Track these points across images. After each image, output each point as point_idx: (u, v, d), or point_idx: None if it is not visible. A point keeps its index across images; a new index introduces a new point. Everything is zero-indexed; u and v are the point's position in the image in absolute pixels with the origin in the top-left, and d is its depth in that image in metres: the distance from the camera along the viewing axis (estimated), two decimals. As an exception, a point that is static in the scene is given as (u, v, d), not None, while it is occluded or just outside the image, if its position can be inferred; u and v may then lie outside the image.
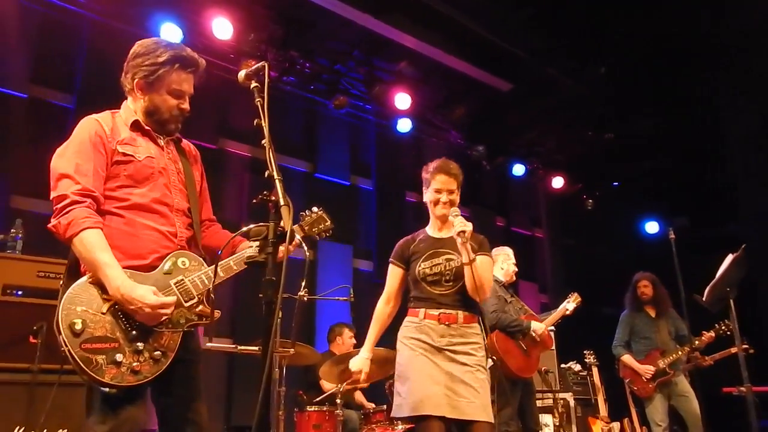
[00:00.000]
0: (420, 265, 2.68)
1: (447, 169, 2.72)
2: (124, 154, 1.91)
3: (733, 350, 4.89)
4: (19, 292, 2.93)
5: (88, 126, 1.92)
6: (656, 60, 6.76)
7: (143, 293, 1.75)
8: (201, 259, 1.98)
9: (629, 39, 6.47)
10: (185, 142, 2.16)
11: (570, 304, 4.39)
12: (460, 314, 2.60)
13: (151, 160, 1.96)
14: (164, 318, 1.80)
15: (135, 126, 1.98)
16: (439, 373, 2.50)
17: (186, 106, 2.05)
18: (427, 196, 2.79)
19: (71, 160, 1.83)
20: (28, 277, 2.96)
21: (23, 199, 4.47)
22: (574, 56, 6.81)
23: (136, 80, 1.97)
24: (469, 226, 2.51)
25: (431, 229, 2.83)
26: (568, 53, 6.75)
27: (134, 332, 1.76)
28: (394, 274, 2.84)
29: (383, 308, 2.89)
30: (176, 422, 1.92)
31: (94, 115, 1.96)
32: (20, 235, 3.21)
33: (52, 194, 1.82)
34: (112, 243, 1.80)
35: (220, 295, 2.30)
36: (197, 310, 1.89)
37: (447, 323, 2.58)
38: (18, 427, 2.52)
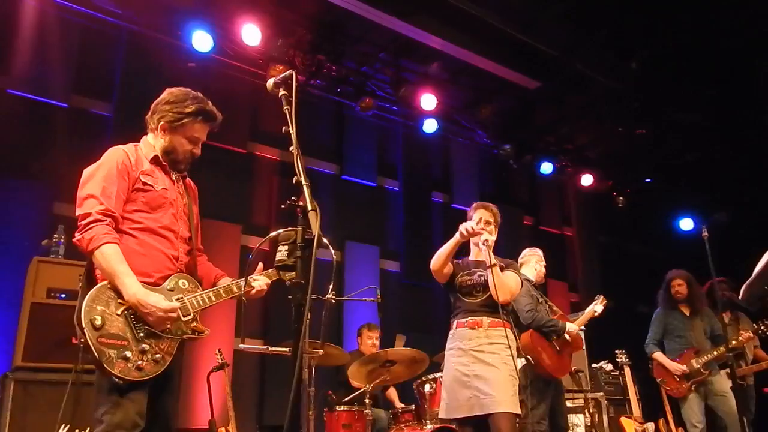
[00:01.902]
0: (459, 279, 3.16)
1: (486, 205, 3.28)
2: (145, 183, 2.19)
3: None
4: (63, 295, 3.08)
5: (116, 155, 2.18)
6: (689, 53, 6.60)
7: (156, 299, 2.02)
8: (197, 281, 2.26)
9: (660, 33, 6.33)
10: (189, 181, 2.45)
11: (598, 306, 4.37)
12: (485, 319, 3.00)
13: (165, 191, 2.24)
14: (168, 325, 2.06)
15: (154, 160, 2.26)
16: (468, 378, 2.88)
17: (198, 151, 2.34)
18: None
19: (99, 183, 2.09)
20: (70, 281, 3.10)
21: (65, 205, 4.60)
22: (603, 52, 6.70)
23: (162, 123, 2.26)
24: (492, 238, 3.06)
25: (472, 254, 3.33)
26: (597, 49, 6.65)
27: (141, 334, 2.01)
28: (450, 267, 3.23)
29: None
30: (156, 421, 2.13)
31: (121, 146, 2.23)
32: (62, 241, 3.36)
33: (78, 211, 2.07)
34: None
35: (251, 297, 2.38)
36: (192, 325, 2.16)
37: (473, 327, 2.99)
38: (63, 425, 2.64)
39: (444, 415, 2.97)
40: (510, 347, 2.92)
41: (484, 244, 2.98)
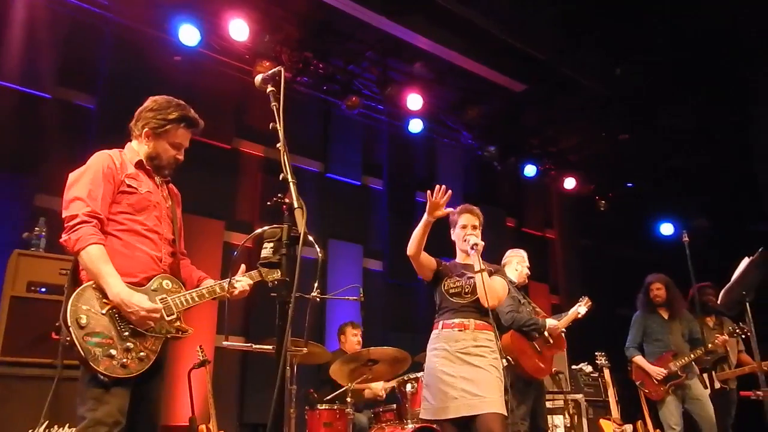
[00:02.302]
0: (446, 281, 3.14)
1: (470, 209, 3.24)
2: (129, 186, 2.24)
3: None
4: (43, 289, 3.02)
5: (101, 159, 2.23)
6: (674, 60, 6.70)
7: (139, 299, 2.07)
8: (181, 282, 2.31)
9: (645, 40, 6.42)
10: (172, 186, 2.50)
11: (582, 308, 4.36)
12: (472, 321, 3.00)
13: (149, 194, 2.30)
14: (152, 324, 2.10)
15: (139, 165, 2.33)
16: (454, 378, 2.86)
17: (181, 157, 2.40)
18: (455, 232, 3.25)
19: (85, 186, 2.14)
20: (51, 275, 3.05)
21: (47, 197, 4.54)
22: (590, 57, 6.77)
23: (146, 129, 2.32)
24: (481, 242, 3.02)
25: (459, 259, 3.31)
26: (584, 54, 6.72)
27: (126, 333, 2.06)
28: (431, 259, 3.20)
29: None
30: (141, 419, 2.17)
31: (106, 151, 2.28)
32: (44, 234, 3.31)
33: (65, 213, 2.11)
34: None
35: (234, 298, 2.41)
36: (176, 324, 2.21)
37: (460, 329, 2.98)
38: (42, 421, 2.60)
39: (427, 416, 2.95)
40: (496, 350, 2.94)
41: (473, 249, 2.98)
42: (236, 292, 2.35)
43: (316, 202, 6.43)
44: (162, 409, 2.37)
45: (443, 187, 2.90)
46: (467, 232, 3.15)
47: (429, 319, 3.20)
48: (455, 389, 2.83)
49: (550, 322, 4.14)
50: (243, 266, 2.45)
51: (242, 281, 2.37)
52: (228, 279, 2.31)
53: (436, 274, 3.18)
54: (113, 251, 2.11)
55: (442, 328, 3.04)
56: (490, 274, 3.07)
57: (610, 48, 6.54)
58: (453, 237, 3.28)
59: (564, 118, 7.83)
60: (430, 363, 3.01)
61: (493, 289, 2.96)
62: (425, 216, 2.93)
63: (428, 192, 2.90)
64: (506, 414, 2.82)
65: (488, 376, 2.86)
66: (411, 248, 3.00)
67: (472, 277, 3.07)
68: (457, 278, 3.12)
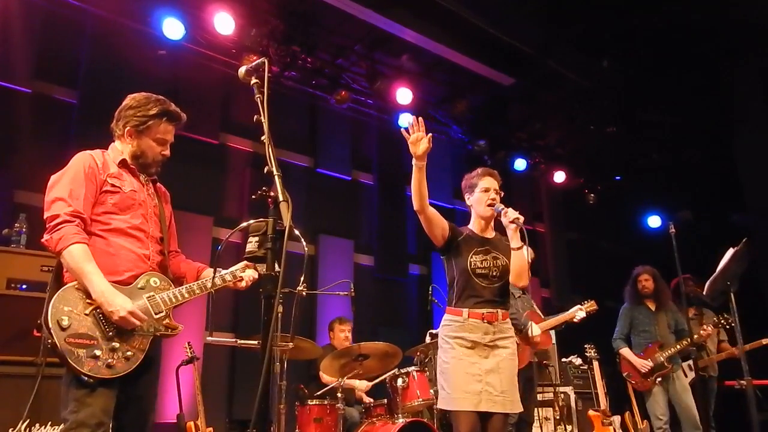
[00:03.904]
0: (472, 258, 2.79)
1: (491, 171, 2.96)
2: (113, 185, 2.20)
3: (765, 341, 4.96)
4: (24, 286, 2.97)
5: (83, 159, 2.19)
6: (660, 53, 6.73)
7: (123, 300, 2.02)
8: (169, 279, 2.26)
9: (632, 33, 6.45)
10: (159, 185, 2.46)
11: (581, 312, 4.26)
12: (500, 312, 2.76)
13: (134, 193, 2.25)
14: (137, 323, 2.05)
15: (122, 164, 2.28)
16: (478, 370, 2.67)
17: (167, 152, 2.35)
18: (474, 196, 2.93)
19: (66, 186, 2.10)
20: (31, 272, 3.00)
21: (27, 193, 4.47)
22: (576, 50, 6.79)
23: (128, 128, 2.27)
24: (521, 217, 2.72)
25: (476, 228, 2.95)
26: (570, 47, 6.73)
27: (111, 333, 2.02)
28: (441, 218, 2.84)
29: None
30: (131, 418, 2.15)
31: (88, 151, 2.24)
32: (24, 230, 3.24)
33: (46, 214, 2.06)
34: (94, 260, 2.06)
35: (222, 290, 2.37)
36: (164, 322, 2.17)
37: (490, 321, 2.73)
38: (23, 420, 2.56)
39: (444, 405, 2.71)
40: (515, 339, 2.83)
41: (514, 223, 2.69)
42: (243, 283, 2.32)
43: (306, 197, 6.40)
44: (154, 408, 2.31)
45: (418, 118, 2.58)
46: (490, 195, 2.85)
47: (419, 314, 3.16)
48: (480, 382, 2.64)
49: (535, 328, 4.02)
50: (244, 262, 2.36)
51: (247, 273, 2.33)
52: (215, 274, 2.27)
53: (448, 240, 2.82)
54: (97, 251, 2.08)
55: (468, 317, 2.72)
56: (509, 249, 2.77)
57: (595, 42, 6.56)
58: (469, 202, 2.96)
59: (551, 112, 7.85)
60: (452, 352, 2.72)
61: (524, 270, 2.72)
62: (414, 161, 2.60)
63: (403, 131, 2.59)
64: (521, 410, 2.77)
65: (513, 372, 2.72)
66: (414, 202, 2.68)
67: (497, 257, 2.81)
68: (485, 255, 2.80)
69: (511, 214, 2.73)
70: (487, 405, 2.62)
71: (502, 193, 2.94)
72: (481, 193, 2.89)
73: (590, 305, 4.35)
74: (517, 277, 2.75)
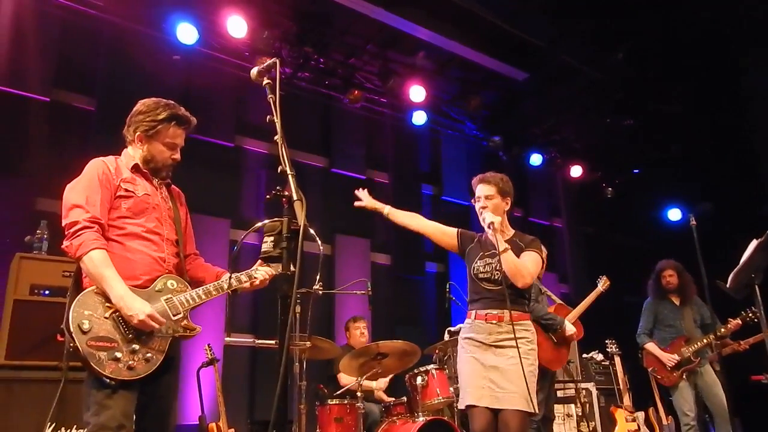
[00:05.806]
0: (476, 263, 2.90)
1: (482, 178, 2.99)
2: (126, 190, 2.23)
3: None
4: (46, 292, 3.02)
5: (96, 166, 2.23)
6: (675, 44, 6.61)
7: (141, 304, 2.05)
8: (186, 282, 2.29)
9: (647, 23, 6.34)
10: (174, 187, 2.48)
11: (602, 286, 4.58)
12: (507, 313, 2.75)
13: (147, 197, 2.29)
14: (155, 326, 2.08)
15: (135, 168, 2.31)
16: (483, 368, 2.73)
17: (177, 156, 2.37)
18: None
19: (82, 193, 2.14)
20: (54, 277, 3.05)
21: (48, 201, 4.54)
22: (591, 43, 6.70)
23: (138, 133, 2.31)
24: (497, 219, 2.80)
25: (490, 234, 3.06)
26: (585, 40, 6.64)
27: (130, 335, 2.05)
28: (449, 229, 3.08)
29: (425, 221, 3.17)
30: (152, 418, 2.18)
31: (101, 158, 2.28)
32: (45, 237, 3.30)
33: (65, 221, 2.11)
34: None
35: (247, 291, 2.39)
36: (182, 324, 2.20)
37: (494, 322, 2.78)
38: (49, 423, 2.60)
39: (461, 404, 2.79)
40: (534, 340, 2.79)
41: (489, 228, 2.76)
42: (257, 282, 2.34)
43: (321, 197, 6.41)
44: (176, 409, 2.34)
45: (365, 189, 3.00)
46: (480, 205, 2.92)
47: (437, 312, 3.16)
48: (484, 379, 2.71)
49: (569, 327, 4.10)
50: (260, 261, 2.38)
51: (261, 271, 2.35)
52: (231, 275, 2.29)
53: (460, 249, 2.98)
54: (115, 256, 2.11)
55: (474, 319, 2.83)
56: (520, 249, 2.83)
57: (607, 34, 6.47)
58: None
59: (565, 106, 7.76)
60: (462, 351, 2.86)
61: (519, 269, 2.73)
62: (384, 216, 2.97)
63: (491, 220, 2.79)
64: (532, 411, 2.63)
65: (519, 370, 2.66)
66: (412, 229, 3.01)
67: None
68: (489, 259, 2.86)
69: (488, 218, 2.80)
70: (489, 401, 2.67)
71: (495, 197, 2.92)
72: (476, 203, 2.99)
73: (604, 282, 4.55)
74: (511, 279, 2.76)
